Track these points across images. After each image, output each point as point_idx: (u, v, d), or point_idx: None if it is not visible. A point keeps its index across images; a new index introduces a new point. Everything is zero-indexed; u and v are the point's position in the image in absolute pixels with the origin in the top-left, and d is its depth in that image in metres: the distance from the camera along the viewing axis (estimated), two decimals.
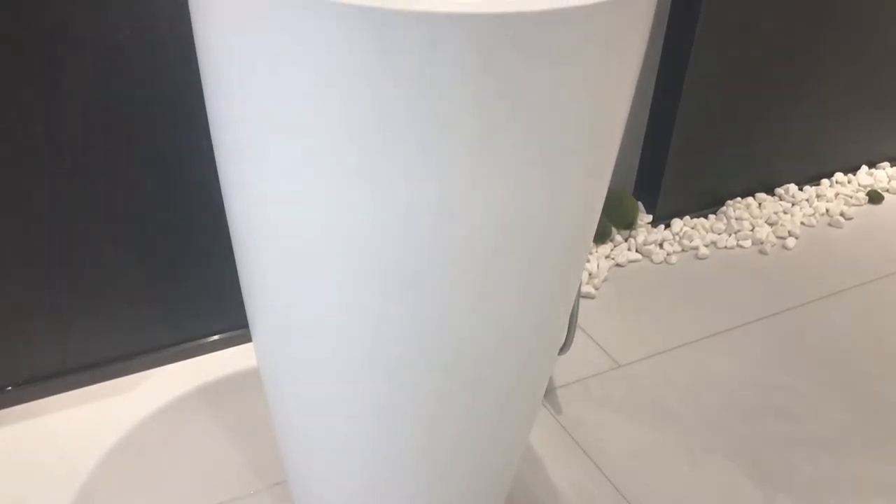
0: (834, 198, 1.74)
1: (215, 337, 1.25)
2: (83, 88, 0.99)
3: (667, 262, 1.53)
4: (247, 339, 1.26)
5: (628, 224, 1.56)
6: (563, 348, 1.12)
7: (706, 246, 1.58)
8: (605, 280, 1.47)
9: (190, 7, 0.67)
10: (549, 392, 1.21)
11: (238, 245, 0.79)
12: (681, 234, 1.59)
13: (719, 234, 1.61)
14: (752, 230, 1.61)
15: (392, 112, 0.58)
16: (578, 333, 1.33)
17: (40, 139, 1.00)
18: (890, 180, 1.81)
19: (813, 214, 1.68)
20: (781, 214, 1.66)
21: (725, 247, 1.58)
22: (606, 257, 1.52)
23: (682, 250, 1.57)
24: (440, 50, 0.55)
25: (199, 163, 1.10)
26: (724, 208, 1.66)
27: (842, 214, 1.69)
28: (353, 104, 0.58)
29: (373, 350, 0.74)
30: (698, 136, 1.55)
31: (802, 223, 1.66)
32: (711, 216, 1.65)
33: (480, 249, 0.67)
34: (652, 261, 1.53)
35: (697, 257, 1.55)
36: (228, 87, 0.65)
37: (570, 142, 0.64)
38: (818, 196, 1.73)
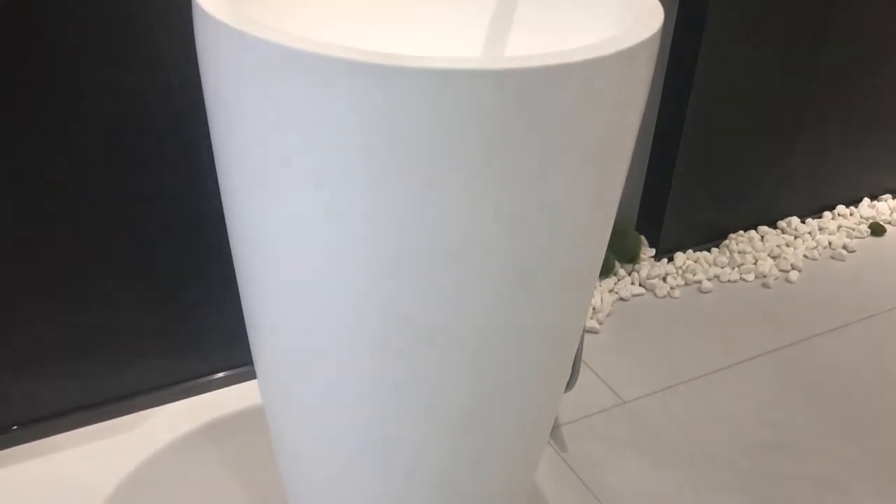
0: (836, 230, 1.75)
1: (220, 374, 1.25)
2: (91, 133, 1.01)
3: (670, 296, 1.53)
4: (252, 375, 1.26)
5: (632, 258, 1.57)
6: (569, 385, 1.13)
7: (709, 280, 1.58)
8: (608, 314, 1.47)
9: (198, 55, 0.68)
10: (555, 429, 1.21)
11: (243, 285, 0.80)
12: (684, 267, 1.59)
13: (722, 267, 1.61)
14: (755, 263, 1.62)
15: (394, 162, 0.59)
16: (583, 369, 1.33)
17: (48, 183, 1.01)
18: (892, 212, 1.82)
19: (815, 247, 1.68)
20: (784, 247, 1.66)
21: (729, 280, 1.58)
22: (610, 291, 1.52)
23: (686, 284, 1.57)
24: (442, 105, 0.56)
25: (206, 205, 1.11)
26: (726, 241, 1.66)
27: (844, 247, 1.70)
28: (357, 154, 0.59)
29: (376, 389, 0.74)
30: (700, 169, 1.56)
31: (805, 256, 1.67)
32: (714, 249, 1.65)
33: (484, 292, 0.68)
34: (655, 295, 1.53)
35: (701, 291, 1.55)
36: (236, 135, 0.66)
37: (574, 191, 0.65)
38: (820, 229, 1.74)
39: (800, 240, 1.69)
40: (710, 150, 1.55)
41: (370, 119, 0.57)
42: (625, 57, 0.60)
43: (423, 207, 0.60)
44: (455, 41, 0.86)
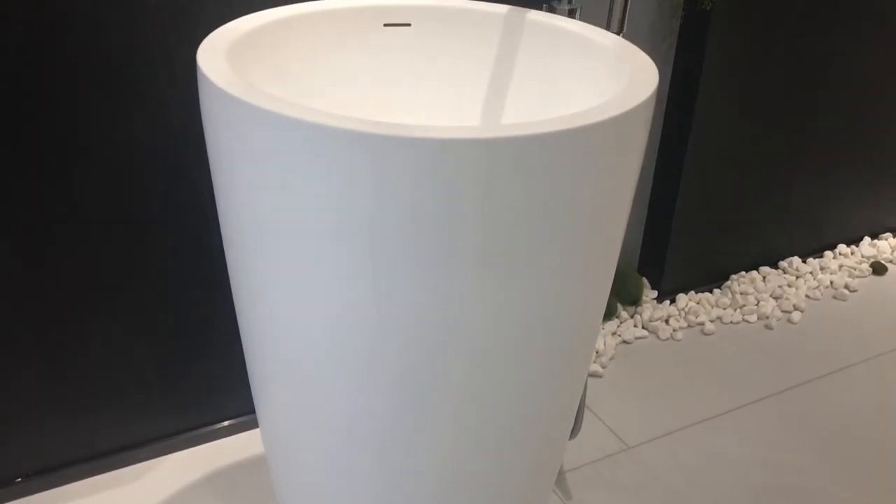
0: (838, 270, 1.75)
1: (225, 423, 1.26)
2: (96, 184, 1.02)
3: (673, 339, 1.54)
4: (255, 424, 1.26)
5: (634, 300, 1.57)
6: (573, 433, 1.13)
7: (712, 321, 1.58)
8: (611, 358, 1.47)
9: (203, 117, 0.69)
10: (559, 477, 1.21)
11: (245, 336, 0.80)
12: (686, 309, 1.59)
13: (725, 308, 1.61)
14: (757, 304, 1.62)
15: (394, 229, 0.60)
16: (587, 414, 1.33)
17: (52, 232, 1.02)
18: (893, 251, 1.83)
19: (817, 287, 1.69)
20: (786, 288, 1.67)
21: (731, 322, 1.59)
22: (613, 334, 1.53)
23: (689, 326, 1.57)
24: (440, 173, 0.57)
25: (210, 256, 1.12)
26: (728, 283, 1.67)
27: (846, 287, 1.70)
28: (358, 220, 0.60)
29: (379, 445, 0.74)
30: (701, 211, 1.57)
31: (807, 296, 1.67)
32: (716, 291, 1.66)
33: (486, 349, 0.68)
34: (658, 337, 1.54)
35: (704, 333, 1.55)
36: (237, 195, 0.67)
37: (573, 250, 0.66)
38: (822, 268, 1.75)
39: (801, 280, 1.70)
40: (710, 190, 1.56)
41: (370, 186, 0.58)
42: (620, 121, 0.61)
43: (423, 271, 0.61)
44: (455, 94, 0.87)
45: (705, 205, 1.57)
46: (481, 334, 0.66)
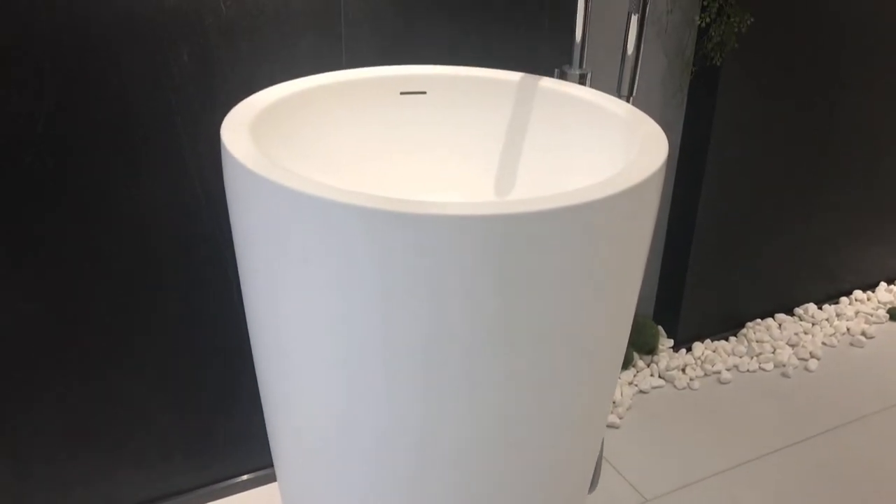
0: (854, 316, 1.75)
1: (244, 477, 1.27)
2: (123, 247, 1.05)
3: (690, 388, 1.54)
4: (274, 478, 1.27)
5: (650, 350, 1.58)
6: (591, 486, 1.13)
7: (728, 370, 1.58)
8: (629, 408, 1.47)
9: (226, 189, 0.72)
10: None
11: (264, 393, 0.82)
12: (703, 358, 1.60)
13: (741, 357, 1.62)
14: (773, 352, 1.62)
15: (408, 302, 0.61)
16: (605, 466, 1.33)
17: (79, 295, 1.05)
18: None
19: (834, 334, 1.69)
20: (802, 335, 1.67)
21: (748, 370, 1.59)
22: (629, 384, 1.53)
23: (705, 375, 1.57)
24: (456, 249, 0.59)
25: (231, 314, 1.14)
26: (744, 330, 1.67)
27: (863, 333, 1.70)
28: (372, 293, 0.62)
29: (398, 498, 0.75)
30: (715, 258, 1.58)
31: (824, 343, 1.67)
32: (732, 338, 1.66)
33: (502, 416, 0.69)
34: (675, 386, 1.54)
35: (720, 382, 1.56)
36: (257, 262, 0.69)
37: (587, 316, 0.67)
38: (838, 315, 1.75)
39: (817, 327, 1.70)
40: (724, 238, 1.57)
41: (387, 261, 0.60)
42: (630, 194, 0.63)
43: (439, 343, 0.63)
44: (469, 163, 0.89)
45: (720, 252, 1.58)
46: (497, 402, 0.67)
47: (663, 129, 1.47)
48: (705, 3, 1.32)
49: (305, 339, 0.68)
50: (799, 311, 1.73)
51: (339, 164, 0.87)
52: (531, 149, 0.88)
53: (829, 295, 1.79)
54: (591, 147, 0.83)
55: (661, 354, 1.59)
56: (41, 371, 1.06)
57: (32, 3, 0.89)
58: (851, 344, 1.68)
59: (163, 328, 1.11)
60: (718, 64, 1.36)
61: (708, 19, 1.30)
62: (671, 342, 1.61)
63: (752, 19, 1.31)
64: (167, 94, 1.00)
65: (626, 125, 0.77)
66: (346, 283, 0.62)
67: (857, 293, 1.81)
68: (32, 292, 1.02)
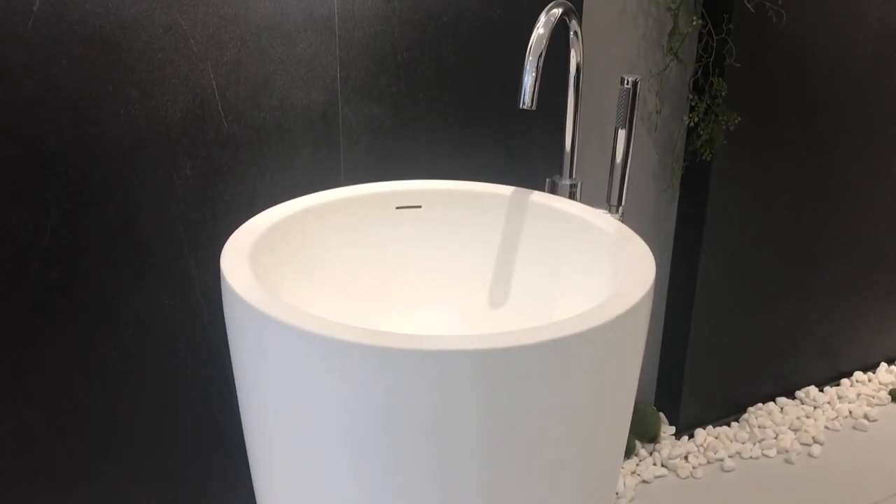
0: (856, 398, 1.75)
1: None
2: (123, 354, 1.06)
3: (693, 477, 1.53)
4: None
5: (652, 438, 1.58)
6: None
7: (731, 457, 1.58)
8: (632, 500, 1.47)
9: (225, 317, 0.73)
10: None
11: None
12: (705, 445, 1.59)
13: (743, 443, 1.61)
14: (775, 438, 1.61)
15: (405, 434, 0.62)
16: None
17: (79, 398, 1.06)
18: None
19: (836, 418, 1.68)
20: (804, 419, 1.66)
21: (751, 457, 1.58)
22: (632, 473, 1.52)
23: (708, 462, 1.57)
24: (449, 384, 0.60)
25: (229, 418, 1.15)
26: (745, 415, 1.67)
27: (865, 416, 1.69)
28: (370, 423, 0.63)
29: None
30: (714, 343, 1.59)
31: (826, 427, 1.67)
32: (734, 424, 1.66)
33: None
34: (678, 475, 1.53)
35: (723, 470, 1.55)
36: (254, 389, 0.70)
37: (581, 440, 0.68)
38: (839, 397, 1.74)
39: (819, 410, 1.69)
40: (722, 322, 1.58)
41: (382, 395, 0.61)
42: (619, 321, 0.65)
43: (435, 477, 0.64)
44: (461, 281, 0.91)
45: (718, 337, 1.59)
46: None
47: (657, 218, 1.49)
48: (693, 104, 1.35)
49: (299, 469, 0.69)
50: (800, 394, 1.73)
51: (337, 281, 0.89)
52: (523, 262, 0.90)
53: (830, 377, 1.79)
54: (580, 262, 0.85)
55: (664, 442, 1.59)
56: (39, 479, 1.07)
57: (40, 122, 0.93)
58: (854, 427, 1.67)
59: (163, 429, 1.12)
60: (708, 160, 1.39)
61: (696, 118, 1.34)
62: (673, 429, 1.61)
63: (739, 119, 1.35)
64: (170, 205, 1.02)
65: (614, 243, 0.79)
66: (342, 413, 0.63)
67: (858, 374, 1.81)
68: (33, 401, 1.03)
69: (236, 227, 1.06)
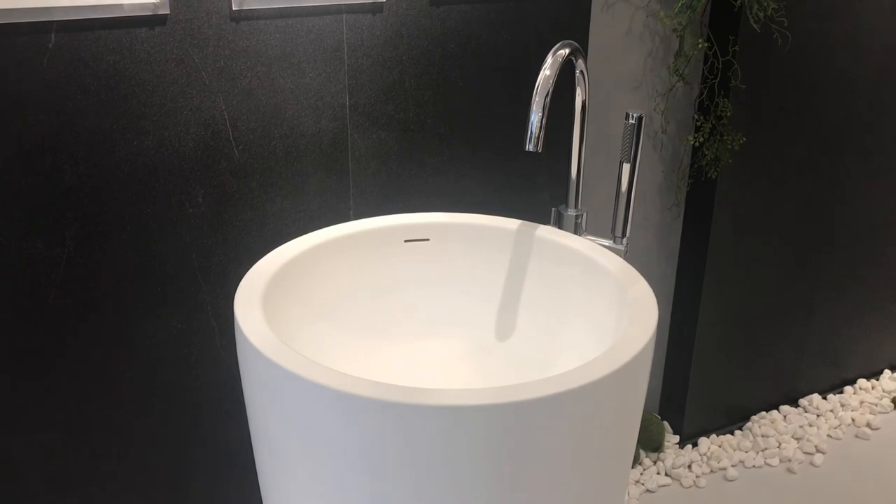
0: (859, 405, 1.76)
1: None
2: (137, 379, 1.08)
3: (696, 486, 1.55)
4: None
5: (656, 447, 1.60)
6: None
7: (734, 466, 1.60)
8: None
9: (239, 361, 0.75)
10: None
11: None
12: (708, 454, 1.61)
13: (746, 451, 1.63)
14: (778, 447, 1.63)
15: (410, 486, 0.65)
16: None
17: (96, 424, 1.08)
18: None
19: (839, 426, 1.70)
20: (807, 427, 1.68)
21: (753, 466, 1.60)
22: (636, 482, 1.55)
23: (711, 471, 1.59)
24: (454, 436, 0.62)
25: (239, 443, 1.17)
26: (749, 423, 1.69)
27: (868, 425, 1.71)
28: (377, 476, 0.65)
29: None
30: (718, 351, 1.61)
31: (829, 436, 1.68)
32: (738, 432, 1.68)
33: None
34: (682, 485, 1.55)
35: (726, 479, 1.57)
36: (265, 429, 0.72)
37: (586, 480, 0.70)
38: (842, 405, 1.76)
39: (822, 418, 1.71)
40: (727, 331, 1.60)
41: (388, 446, 0.63)
42: (623, 372, 0.67)
43: None
44: (466, 318, 0.93)
45: (722, 346, 1.61)
46: None
47: (662, 231, 1.51)
48: (698, 124, 1.36)
49: (306, 500, 0.71)
50: (804, 402, 1.75)
51: (347, 317, 0.91)
52: (529, 295, 0.92)
53: (833, 384, 1.81)
54: (584, 302, 0.86)
55: (668, 451, 1.61)
56: (57, 497, 1.09)
57: (55, 155, 0.94)
58: (857, 436, 1.69)
59: (175, 454, 1.15)
60: (714, 178, 1.40)
61: (702, 139, 1.35)
62: (677, 438, 1.63)
63: (744, 139, 1.36)
64: (182, 233, 1.04)
65: (618, 285, 0.81)
66: (351, 462, 0.65)
67: (862, 381, 1.82)
68: (52, 421, 1.05)
69: (247, 252, 1.08)
